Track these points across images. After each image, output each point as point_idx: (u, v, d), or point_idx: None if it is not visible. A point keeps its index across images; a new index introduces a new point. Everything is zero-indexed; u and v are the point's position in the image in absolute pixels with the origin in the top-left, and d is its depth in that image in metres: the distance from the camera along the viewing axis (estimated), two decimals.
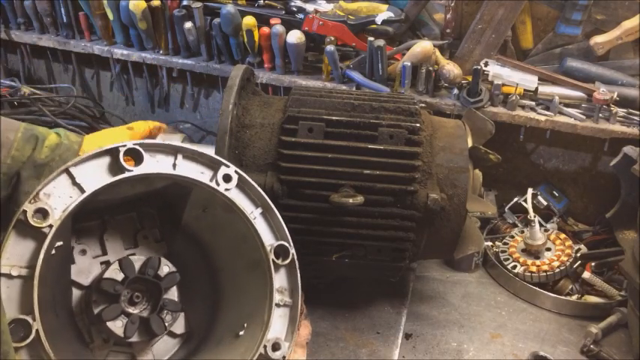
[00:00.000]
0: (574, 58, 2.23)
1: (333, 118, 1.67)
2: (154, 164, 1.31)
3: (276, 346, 1.39)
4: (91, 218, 1.47)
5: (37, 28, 2.78)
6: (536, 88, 2.20)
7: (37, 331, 1.11)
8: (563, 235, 2.16)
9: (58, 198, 1.18)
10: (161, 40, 2.54)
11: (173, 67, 2.58)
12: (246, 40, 2.35)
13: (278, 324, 1.42)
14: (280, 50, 2.33)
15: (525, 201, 2.28)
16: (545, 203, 2.35)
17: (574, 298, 2.01)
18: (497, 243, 2.23)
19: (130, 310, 1.42)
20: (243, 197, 1.43)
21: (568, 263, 2.02)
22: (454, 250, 1.82)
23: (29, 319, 1.11)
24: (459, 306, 2.00)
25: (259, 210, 1.44)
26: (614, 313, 1.88)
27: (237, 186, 1.41)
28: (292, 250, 1.46)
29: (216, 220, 1.49)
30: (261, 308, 1.42)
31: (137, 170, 1.27)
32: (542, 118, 2.17)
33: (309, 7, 2.36)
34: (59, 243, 1.27)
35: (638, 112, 2.14)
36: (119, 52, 2.63)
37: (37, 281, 1.12)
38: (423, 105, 1.91)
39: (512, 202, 2.38)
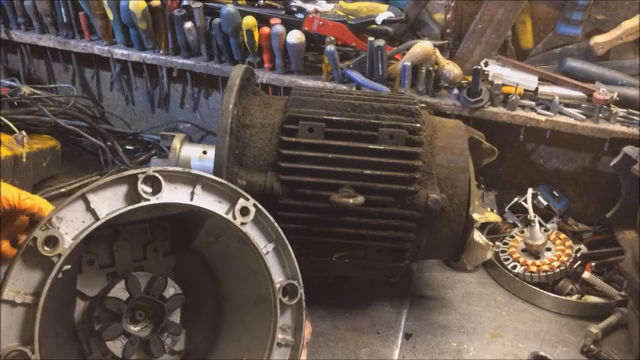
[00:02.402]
0: (574, 58, 2.23)
1: (334, 118, 1.68)
2: (172, 192, 1.28)
3: None
4: (103, 227, 1.46)
5: (37, 28, 2.78)
6: (536, 88, 2.20)
7: None
8: (563, 235, 2.16)
9: (71, 222, 1.16)
10: (161, 40, 2.54)
11: (173, 67, 2.58)
12: (246, 40, 2.35)
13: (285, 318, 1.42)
14: (280, 50, 2.33)
15: (525, 201, 2.28)
16: (545, 203, 2.36)
17: (574, 298, 2.01)
18: (497, 243, 2.23)
19: (131, 328, 1.41)
20: (258, 231, 1.39)
21: (568, 263, 2.02)
22: (454, 250, 1.82)
23: (28, 351, 1.09)
24: (459, 306, 2.00)
25: (272, 245, 1.41)
26: (614, 313, 1.88)
27: (254, 219, 1.38)
28: (301, 290, 1.43)
29: (228, 250, 1.47)
30: (262, 345, 1.41)
31: (154, 200, 1.24)
32: (542, 118, 2.17)
33: (309, 7, 2.36)
34: (67, 267, 1.25)
35: (638, 112, 2.14)
36: (119, 52, 2.63)
37: (40, 311, 1.11)
38: (424, 105, 1.91)
39: (512, 202, 2.38)
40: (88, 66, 2.90)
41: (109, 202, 1.20)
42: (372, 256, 1.73)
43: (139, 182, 1.22)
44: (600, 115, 2.14)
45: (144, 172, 1.23)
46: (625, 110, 2.14)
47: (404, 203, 1.65)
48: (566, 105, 2.20)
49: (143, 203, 1.23)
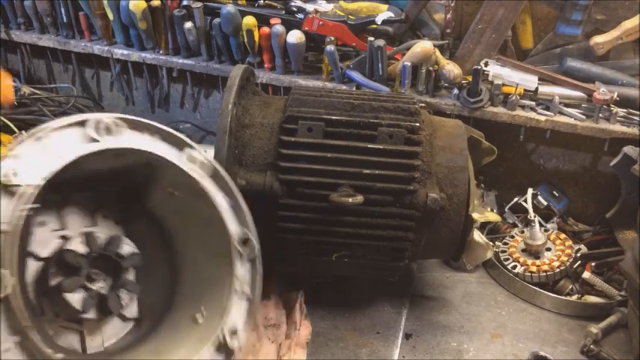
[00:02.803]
0: (574, 58, 2.23)
1: (333, 117, 1.67)
2: (126, 139, 1.32)
3: (234, 334, 1.40)
4: (51, 192, 1.46)
5: (37, 28, 2.78)
6: (536, 88, 2.19)
7: (13, 286, 1.10)
8: (563, 235, 2.16)
9: (32, 163, 1.18)
10: (161, 40, 2.55)
11: (173, 67, 2.58)
12: (246, 40, 2.35)
13: (237, 312, 1.44)
14: (280, 50, 2.33)
15: (525, 201, 2.28)
16: (545, 203, 2.35)
17: (574, 298, 2.01)
18: (497, 243, 2.23)
19: (88, 285, 1.41)
20: (214, 185, 1.45)
21: (568, 263, 2.02)
22: (454, 250, 1.82)
23: (6, 273, 1.09)
24: (459, 306, 2.00)
25: (227, 199, 1.46)
26: (614, 313, 1.88)
27: (211, 175, 1.43)
28: (257, 244, 1.48)
29: (183, 205, 1.50)
30: (220, 295, 1.43)
31: (108, 143, 1.28)
32: (542, 118, 2.17)
33: (309, 7, 2.36)
34: (31, 208, 1.26)
35: (638, 112, 2.13)
36: (119, 52, 2.63)
37: (19, 237, 1.12)
38: (423, 105, 1.91)
39: (512, 202, 2.38)
40: (88, 66, 2.90)
41: (66, 145, 1.23)
42: (371, 256, 1.73)
43: (94, 126, 1.26)
44: (600, 115, 2.14)
45: (99, 118, 1.28)
46: (625, 110, 2.14)
47: (403, 202, 1.65)
48: (566, 105, 2.19)
49: (99, 146, 1.27)
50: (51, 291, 1.38)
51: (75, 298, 1.38)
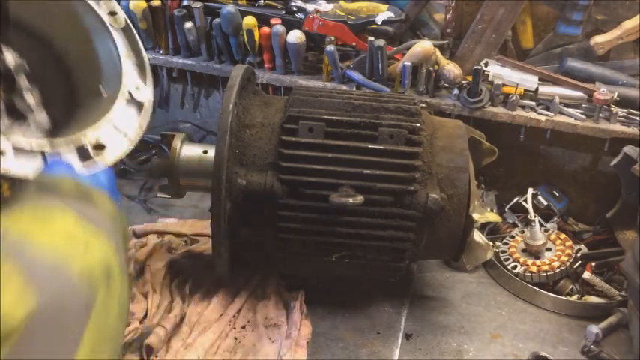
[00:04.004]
0: (574, 58, 2.23)
1: (334, 118, 1.68)
2: None
3: (137, 88, 1.46)
4: None
5: None
6: (537, 88, 2.19)
7: None
8: (563, 235, 2.16)
9: None
10: (161, 40, 2.54)
11: (173, 67, 2.58)
12: (246, 40, 2.35)
13: (130, 72, 1.49)
14: (280, 50, 2.33)
15: (525, 201, 2.28)
16: (545, 203, 2.35)
17: (574, 298, 2.01)
18: (497, 243, 2.23)
19: None
20: None
21: (568, 263, 2.02)
22: (454, 250, 1.82)
23: None
24: (459, 306, 2.00)
25: None
26: (614, 313, 1.88)
27: None
28: (122, 14, 1.52)
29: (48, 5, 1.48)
30: (112, 64, 1.47)
31: None
32: (543, 118, 2.17)
33: (310, 7, 2.36)
34: None
35: (638, 112, 2.13)
36: None
37: None
38: (424, 105, 1.91)
39: (512, 202, 2.38)
40: None
41: None
42: (371, 256, 1.73)
43: None
44: (600, 115, 2.14)
45: None
46: (625, 110, 2.14)
47: (404, 203, 1.65)
48: (567, 105, 2.19)
49: None
50: None
51: None
